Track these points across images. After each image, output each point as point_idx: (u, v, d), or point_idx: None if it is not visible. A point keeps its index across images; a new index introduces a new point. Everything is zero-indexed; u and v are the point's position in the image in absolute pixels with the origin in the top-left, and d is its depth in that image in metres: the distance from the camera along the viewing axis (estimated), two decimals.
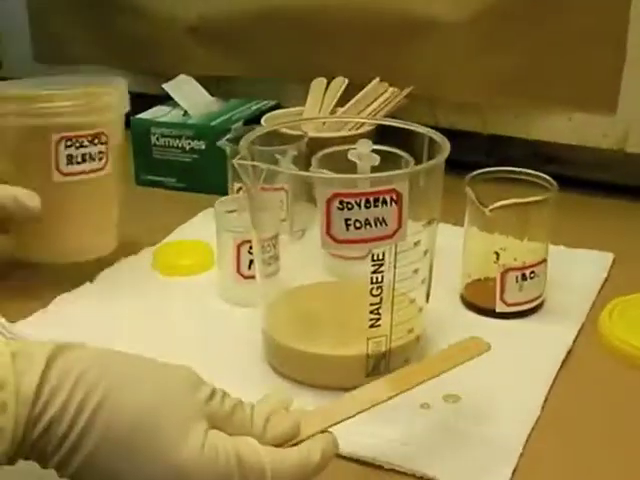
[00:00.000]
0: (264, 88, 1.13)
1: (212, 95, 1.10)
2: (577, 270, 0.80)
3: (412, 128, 0.66)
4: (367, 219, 0.56)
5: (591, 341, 0.69)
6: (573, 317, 0.72)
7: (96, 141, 0.76)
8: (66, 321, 0.72)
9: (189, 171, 1.02)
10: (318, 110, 0.97)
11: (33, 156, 0.75)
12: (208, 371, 0.66)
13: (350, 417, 0.50)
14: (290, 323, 0.67)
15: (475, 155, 0.94)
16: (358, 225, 0.56)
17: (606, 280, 0.79)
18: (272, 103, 1.10)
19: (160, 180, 0.89)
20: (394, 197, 0.56)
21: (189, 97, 1.07)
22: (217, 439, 0.45)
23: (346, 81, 0.98)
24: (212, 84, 1.12)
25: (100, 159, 0.77)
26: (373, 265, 0.58)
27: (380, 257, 0.58)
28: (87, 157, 0.76)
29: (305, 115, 0.97)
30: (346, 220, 0.56)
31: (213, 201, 0.76)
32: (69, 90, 0.76)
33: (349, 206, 0.56)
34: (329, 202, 0.56)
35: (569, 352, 0.67)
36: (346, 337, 0.63)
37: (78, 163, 0.76)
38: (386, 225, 0.57)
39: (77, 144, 0.75)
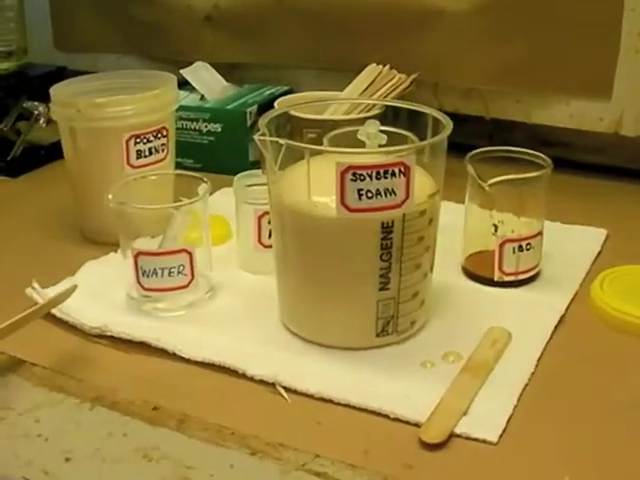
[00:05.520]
0: (276, 75, 1.17)
1: (226, 81, 1.14)
2: (572, 244, 0.85)
3: (417, 108, 0.71)
4: (378, 189, 0.61)
5: (582, 308, 0.74)
6: (567, 287, 0.77)
7: (159, 135, 0.85)
8: (92, 287, 0.77)
9: (206, 152, 1.07)
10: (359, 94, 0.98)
11: (105, 154, 0.84)
12: (230, 333, 0.71)
13: None
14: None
15: (478, 139, 0.98)
16: (370, 195, 0.61)
17: (599, 254, 0.83)
18: (285, 88, 1.14)
19: (178, 161, 0.94)
20: (402, 169, 0.61)
21: (206, 82, 1.12)
22: None
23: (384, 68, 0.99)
24: (226, 71, 1.16)
25: (162, 150, 0.86)
26: (383, 232, 0.63)
27: (389, 224, 0.63)
28: (153, 150, 0.85)
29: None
30: (359, 190, 0.61)
31: (228, 181, 0.81)
32: (134, 95, 0.84)
33: (361, 177, 0.61)
34: (343, 174, 0.61)
35: (562, 318, 0.72)
36: None
37: (145, 156, 0.84)
38: (395, 195, 0.62)
39: (144, 140, 0.84)
